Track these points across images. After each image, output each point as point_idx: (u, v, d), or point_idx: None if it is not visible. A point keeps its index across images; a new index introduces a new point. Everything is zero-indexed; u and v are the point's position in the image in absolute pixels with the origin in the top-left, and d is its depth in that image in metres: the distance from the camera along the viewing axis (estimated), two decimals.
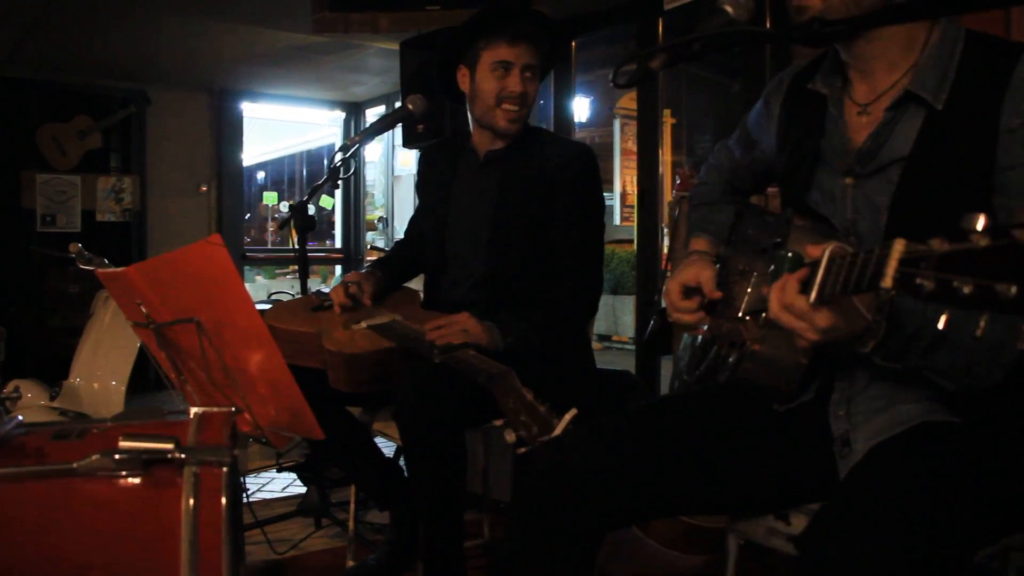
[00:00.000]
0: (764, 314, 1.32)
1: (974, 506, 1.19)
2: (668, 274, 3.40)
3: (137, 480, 1.08)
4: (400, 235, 2.92)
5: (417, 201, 2.71)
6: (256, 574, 2.65)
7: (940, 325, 0.87)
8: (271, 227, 14.62)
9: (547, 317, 2.25)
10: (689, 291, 1.58)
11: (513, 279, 2.33)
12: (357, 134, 2.63)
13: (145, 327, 1.50)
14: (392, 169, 7.52)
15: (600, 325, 9.24)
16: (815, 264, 1.08)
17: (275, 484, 3.68)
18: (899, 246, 0.90)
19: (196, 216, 6.61)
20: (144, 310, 1.47)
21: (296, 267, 2.67)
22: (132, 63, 5.81)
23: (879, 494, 1.17)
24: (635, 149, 4.73)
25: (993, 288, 0.79)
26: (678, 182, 3.42)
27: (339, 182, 2.52)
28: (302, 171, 17.02)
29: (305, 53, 5.53)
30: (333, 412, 2.36)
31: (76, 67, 5.90)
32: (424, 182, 2.64)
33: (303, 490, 3.23)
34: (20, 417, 1.22)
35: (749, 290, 1.49)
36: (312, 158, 15.91)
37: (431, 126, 3.75)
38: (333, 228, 7.87)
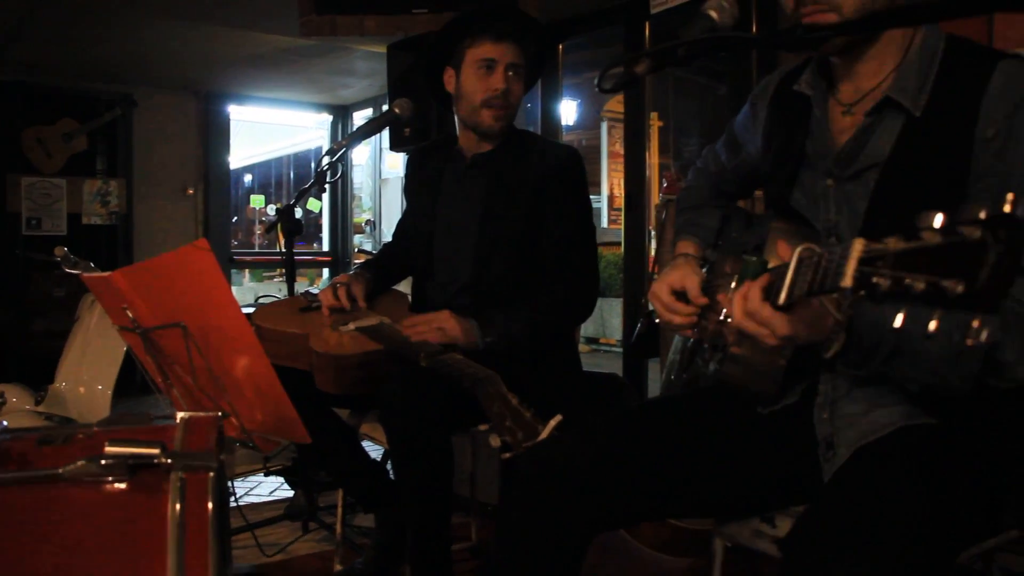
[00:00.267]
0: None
1: (957, 508, 1.20)
2: (655, 276, 3.42)
3: (123, 485, 1.08)
4: (387, 238, 2.92)
5: (405, 204, 2.71)
6: None
7: (896, 324, 0.87)
8: (258, 230, 14.58)
9: (537, 316, 2.25)
10: (675, 294, 1.59)
11: (500, 283, 2.33)
12: (344, 138, 2.63)
13: (131, 331, 1.50)
14: (379, 172, 7.52)
15: (588, 328, 9.25)
16: (784, 266, 1.09)
17: (262, 488, 3.67)
18: (858, 245, 0.91)
19: (183, 219, 6.59)
20: (130, 314, 1.47)
21: (283, 270, 2.67)
22: (118, 65, 5.79)
23: (862, 497, 1.18)
24: (622, 152, 4.74)
25: (941, 285, 0.80)
26: (665, 185, 3.44)
27: (326, 186, 2.52)
28: (289, 174, 16.98)
29: (292, 56, 5.52)
30: (320, 414, 2.36)
31: (62, 69, 5.87)
32: (412, 185, 2.63)
33: (290, 494, 3.22)
34: (5, 422, 1.22)
35: (731, 293, 1.50)
36: (299, 161, 15.88)
37: (418, 129, 3.75)
38: (321, 231, 7.87)
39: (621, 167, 4.57)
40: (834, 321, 1.11)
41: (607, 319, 9.27)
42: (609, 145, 12.21)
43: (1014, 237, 0.77)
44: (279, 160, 16.90)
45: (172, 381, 1.59)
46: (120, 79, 6.11)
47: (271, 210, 14.10)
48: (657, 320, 1.66)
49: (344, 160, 2.53)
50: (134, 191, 6.36)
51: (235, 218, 13.80)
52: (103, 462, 1.07)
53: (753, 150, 1.68)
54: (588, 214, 2.44)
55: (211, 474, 1.11)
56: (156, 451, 1.09)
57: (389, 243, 2.80)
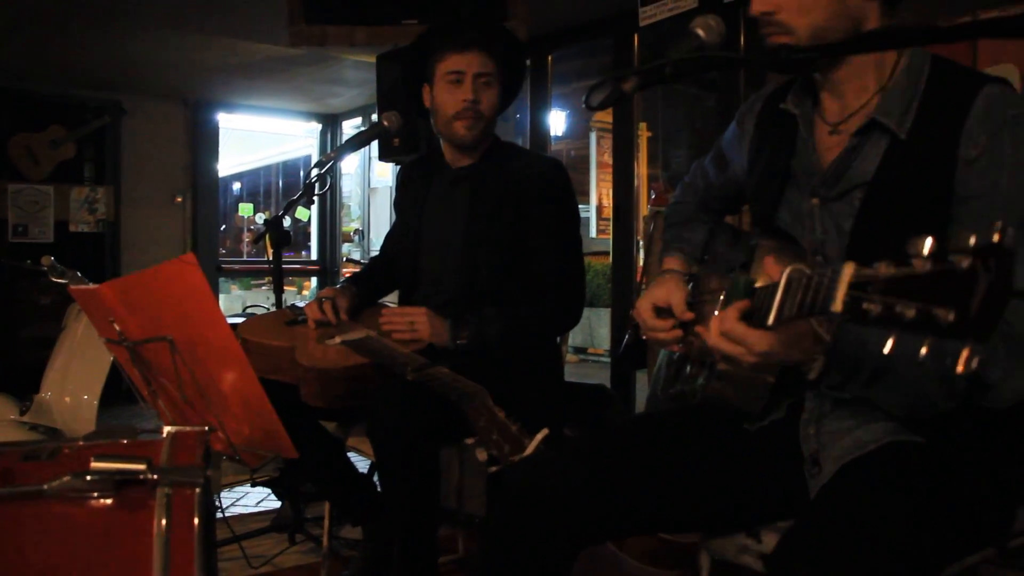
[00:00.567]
0: None
1: (940, 524, 1.21)
2: (643, 287, 3.43)
3: (108, 501, 1.07)
4: (376, 247, 2.92)
5: (394, 217, 2.72)
6: None
7: (886, 349, 0.87)
8: (247, 238, 14.54)
9: (513, 321, 2.25)
10: (660, 310, 1.60)
11: (485, 295, 2.34)
12: (333, 149, 2.64)
13: (118, 344, 1.49)
14: (368, 181, 7.51)
15: (576, 337, 9.26)
16: (773, 287, 1.09)
17: (249, 498, 3.65)
18: (848, 270, 0.91)
19: (171, 227, 6.57)
20: (117, 327, 1.46)
21: (271, 279, 2.66)
22: (107, 73, 5.78)
23: (847, 514, 1.19)
24: (611, 162, 4.76)
25: (932, 313, 0.80)
26: (653, 197, 3.46)
27: (314, 198, 2.52)
28: (278, 182, 16.94)
29: (281, 65, 5.53)
30: (307, 427, 2.36)
31: (50, 76, 5.86)
32: (401, 200, 2.65)
33: (277, 504, 3.21)
34: None
35: (717, 310, 1.50)
36: (288, 169, 15.85)
37: (407, 140, 3.76)
38: (309, 240, 7.85)
39: (610, 177, 4.59)
40: (814, 341, 1.11)
41: (595, 329, 9.29)
42: (598, 155, 12.24)
43: (1003, 266, 0.78)
44: (268, 168, 16.86)
45: (159, 394, 1.59)
46: (109, 86, 6.10)
47: (259, 219, 14.06)
48: (643, 337, 1.66)
49: (333, 171, 2.53)
50: (122, 198, 6.35)
51: (223, 226, 13.77)
52: (88, 478, 1.06)
53: (740, 167, 1.69)
54: (573, 225, 2.44)
55: (197, 490, 1.10)
56: (142, 467, 1.09)
57: (376, 257, 2.80)
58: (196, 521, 1.08)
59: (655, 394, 1.80)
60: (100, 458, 1.08)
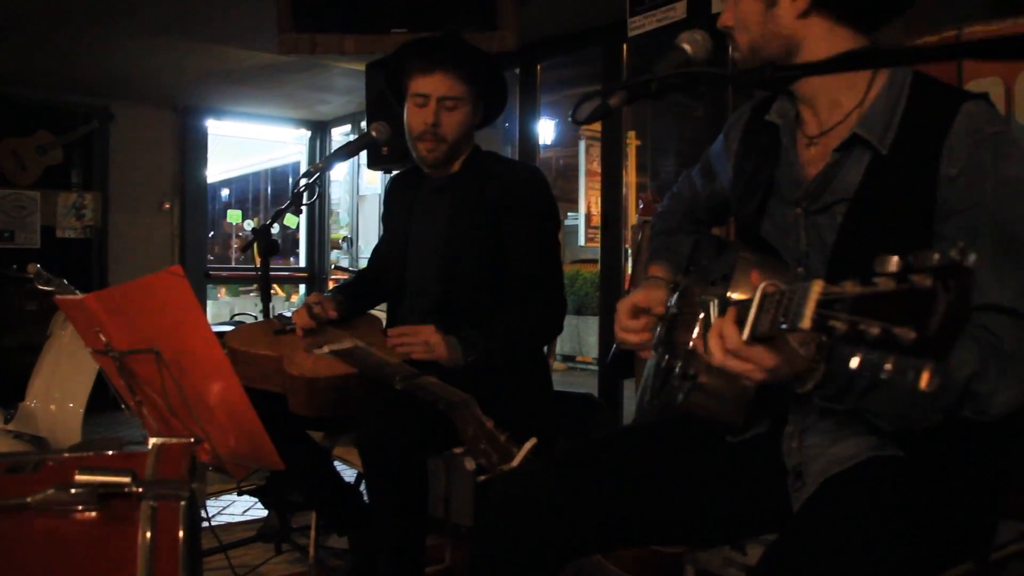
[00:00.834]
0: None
1: (922, 538, 1.22)
2: None
3: (93, 514, 1.07)
4: (364, 254, 2.93)
5: (382, 230, 2.73)
6: None
7: (853, 365, 0.88)
8: (235, 244, 14.50)
9: (512, 333, 2.26)
10: (638, 311, 1.61)
11: (466, 304, 2.35)
12: (321, 160, 2.65)
13: (104, 355, 1.49)
14: (357, 188, 7.51)
15: (564, 345, 9.27)
16: (749, 301, 1.10)
17: (235, 507, 3.64)
18: (816, 287, 0.92)
19: (159, 233, 6.54)
20: (103, 338, 1.46)
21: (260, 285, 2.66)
22: (96, 78, 5.76)
23: (830, 528, 1.20)
24: (600, 170, 4.77)
25: (894, 332, 0.81)
26: (641, 206, 3.47)
27: (302, 208, 2.53)
28: (267, 188, 16.92)
29: (271, 72, 5.52)
30: (294, 437, 2.35)
31: (38, 81, 5.83)
32: (389, 210, 2.67)
33: (264, 513, 3.20)
34: None
35: (701, 317, 1.50)
36: (277, 176, 15.83)
37: (396, 149, 3.76)
38: (297, 246, 7.84)
39: (599, 185, 4.61)
40: (805, 360, 1.12)
41: (584, 337, 9.29)
42: (587, 163, 12.25)
43: (963, 286, 0.78)
44: (256, 175, 16.83)
45: (144, 404, 1.58)
46: (97, 92, 6.08)
47: (248, 225, 14.02)
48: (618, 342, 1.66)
49: (321, 181, 2.54)
50: (110, 204, 6.32)
51: (212, 233, 13.73)
52: (73, 491, 1.06)
53: (725, 179, 1.70)
54: (552, 233, 2.45)
55: (182, 503, 1.10)
56: (127, 480, 1.09)
57: (364, 268, 2.81)
58: (181, 534, 1.08)
59: (642, 405, 1.80)
60: (85, 471, 1.08)
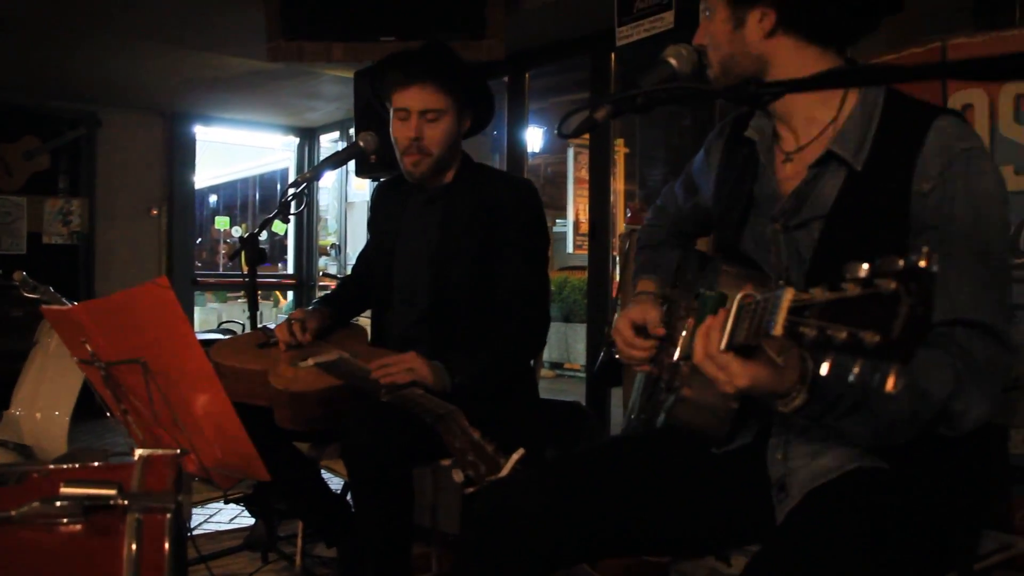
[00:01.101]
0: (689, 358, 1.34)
1: (906, 549, 1.23)
2: (619, 303, 3.45)
3: (78, 527, 1.07)
4: (352, 261, 2.92)
5: (368, 236, 2.72)
6: None
7: (823, 371, 0.90)
8: (223, 251, 14.45)
9: (496, 355, 2.26)
10: (637, 328, 1.62)
11: (455, 314, 2.35)
12: (309, 169, 2.64)
13: (90, 365, 1.49)
14: (345, 195, 7.51)
15: (552, 353, 9.27)
16: (728, 312, 1.11)
17: (222, 515, 3.63)
18: (788, 295, 0.94)
19: (146, 240, 6.53)
20: (89, 348, 1.46)
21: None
22: (83, 84, 5.75)
23: (813, 539, 1.20)
24: (588, 178, 4.78)
25: (860, 336, 0.83)
26: (629, 215, 3.48)
27: (290, 217, 2.52)
28: (255, 195, 16.86)
29: (259, 79, 5.52)
30: (280, 448, 2.35)
31: (25, 87, 5.82)
32: (375, 218, 2.66)
33: (251, 522, 3.19)
34: None
35: (684, 334, 1.51)
36: (265, 182, 15.77)
37: (385, 158, 3.76)
38: (285, 253, 7.82)
39: (587, 193, 4.62)
40: (799, 376, 1.13)
41: (572, 344, 9.30)
42: (575, 171, 12.24)
43: (925, 290, 0.80)
44: (244, 181, 16.77)
45: (130, 414, 1.58)
46: (85, 98, 6.07)
47: (236, 232, 13.99)
48: (617, 355, 1.67)
49: (309, 190, 2.54)
50: (97, 210, 6.30)
51: (199, 239, 13.68)
52: (58, 504, 1.06)
53: (707, 193, 1.71)
54: (542, 249, 2.45)
55: (168, 515, 1.10)
56: (112, 492, 1.08)
57: (347, 277, 2.81)
58: (166, 546, 1.08)
59: (630, 417, 1.81)
60: (70, 483, 1.07)
